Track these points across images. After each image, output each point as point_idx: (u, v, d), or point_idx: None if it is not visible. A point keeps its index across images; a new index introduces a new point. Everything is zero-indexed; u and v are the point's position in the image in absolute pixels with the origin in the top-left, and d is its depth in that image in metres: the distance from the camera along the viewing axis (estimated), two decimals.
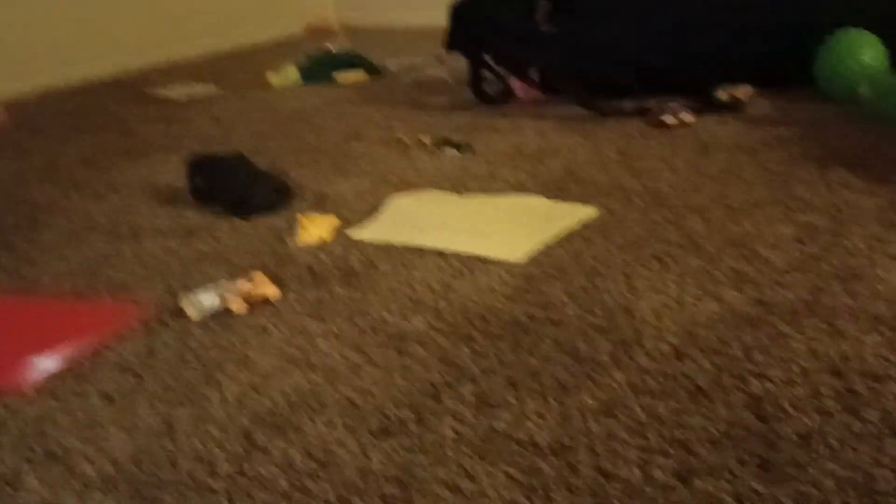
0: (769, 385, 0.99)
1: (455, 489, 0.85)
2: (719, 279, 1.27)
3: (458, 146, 2.04)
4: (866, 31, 2.11)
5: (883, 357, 1.03)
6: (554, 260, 1.38)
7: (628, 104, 2.22)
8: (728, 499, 0.81)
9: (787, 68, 2.26)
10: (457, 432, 0.95)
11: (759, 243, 1.38)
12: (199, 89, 3.04)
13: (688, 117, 2.10)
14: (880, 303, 1.16)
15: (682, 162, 1.82)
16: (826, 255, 1.32)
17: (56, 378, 1.14)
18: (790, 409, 0.94)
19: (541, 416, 0.97)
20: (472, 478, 0.87)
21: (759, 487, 0.82)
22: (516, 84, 2.46)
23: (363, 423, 0.98)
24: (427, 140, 2.12)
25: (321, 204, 1.73)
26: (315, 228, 1.56)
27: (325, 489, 0.87)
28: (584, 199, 1.63)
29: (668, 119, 2.09)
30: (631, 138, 2.03)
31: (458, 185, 1.78)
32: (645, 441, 0.90)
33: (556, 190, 1.70)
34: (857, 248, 1.33)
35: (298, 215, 1.63)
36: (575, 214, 1.56)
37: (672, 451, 0.88)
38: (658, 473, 0.85)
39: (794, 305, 1.17)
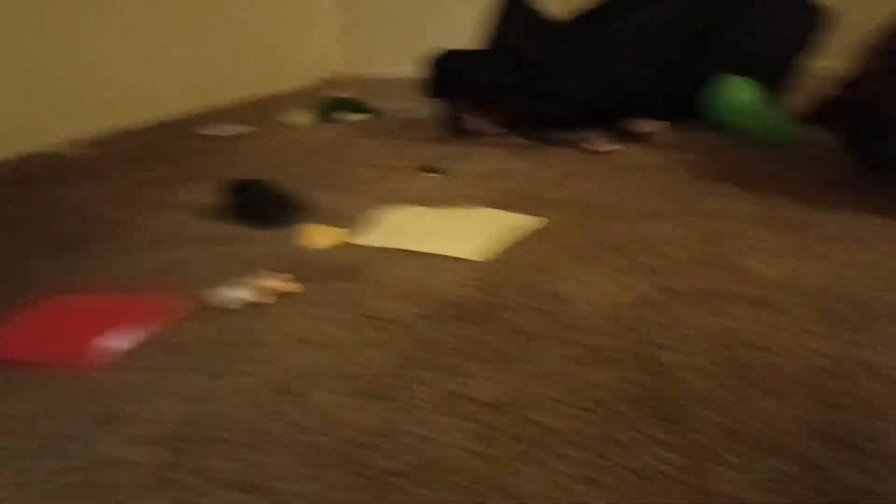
0: (674, 355, 0.98)
1: (426, 439, 0.84)
2: (636, 272, 1.26)
3: (437, 171, 2.02)
4: (747, 78, 2.11)
5: (760, 332, 1.02)
6: (510, 259, 1.37)
7: (567, 136, 2.21)
8: (641, 446, 0.79)
9: (690, 107, 2.26)
10: (428, 395, 0.93)
11: (666, 244, 1.37)
12: (236, 129, 3.00)
13: (612, 146, 2.09)
14: (759, 289, 1.15)
15: (608, 181, 1.81)
16: (716, 252, 1.31)
17: (120, 356, 1.12)
18: (690, 374, 0.93)
19: (495, 380, 0.95)
20: (440, 430, 0.85)
21: (667, 437, 0.81)
22: (481, 122, 2.44)
23: (359, 388, 0.96)
24: (414, 166, 2.10)
25: (331, 217, 1.71)
26: (326, 236, 1.53)
27: (327, 442, 0.85)
28: (533, 211, 1.62)
29: (598, 147, 2.08)
30: (569, 163, 2.01)
31: (438, 202, 1.76)
32: (578, 400, 0.89)
33: (512, 204, 1.68)
34: (740, 247, 1.33)
35: (313, 226, 1.60)
36: (526, 223, 1.54)
37: (598, 409, 0.87)
38: (586, 427, 0.84)
39: (692, 292, 1.16)
